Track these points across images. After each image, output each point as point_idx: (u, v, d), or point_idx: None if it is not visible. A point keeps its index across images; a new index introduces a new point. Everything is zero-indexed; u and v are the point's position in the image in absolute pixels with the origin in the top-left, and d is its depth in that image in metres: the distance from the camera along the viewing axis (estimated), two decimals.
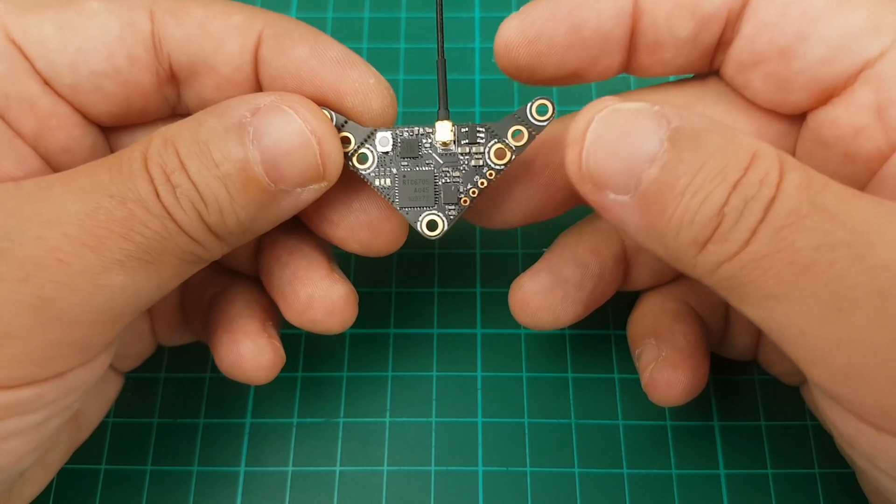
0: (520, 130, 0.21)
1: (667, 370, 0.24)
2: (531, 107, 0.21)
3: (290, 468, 0.28)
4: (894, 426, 0.17)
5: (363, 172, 0.22)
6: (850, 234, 0.16)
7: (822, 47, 0.19)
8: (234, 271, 0.27)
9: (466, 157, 0.22)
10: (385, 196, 0.22)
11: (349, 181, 0.23)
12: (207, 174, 0.19)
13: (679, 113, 0.18)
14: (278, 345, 0.25)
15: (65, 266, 0.17)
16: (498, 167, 0.21)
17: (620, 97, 0.23)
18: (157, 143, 0.19)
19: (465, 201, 0.22)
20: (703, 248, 0.17)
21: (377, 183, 0.22)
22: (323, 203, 0.23)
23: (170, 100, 0.23)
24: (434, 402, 0.29)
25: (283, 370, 0.29)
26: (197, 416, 0.29)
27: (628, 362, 0.30)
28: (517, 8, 0.21)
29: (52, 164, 0.22)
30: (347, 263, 0.32)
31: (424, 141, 0.22)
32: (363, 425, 0.29)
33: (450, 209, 0.22)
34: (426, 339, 0.30)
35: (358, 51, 0.36)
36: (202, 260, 0.20)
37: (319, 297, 0.24)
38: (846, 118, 0.19)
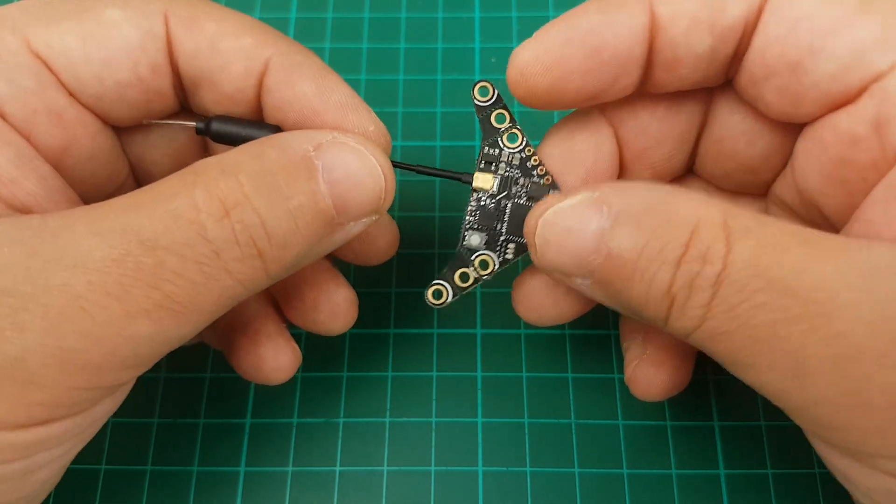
0: (502, 115, 0.22)
1: (649, 368, 0.24)
2: (474, 89, 0.22)
3: (290, 468, 0.28)
4: (882, 465, 0.17)
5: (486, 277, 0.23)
6: (804, 306, 0.16)
7: (832, 62, 0.19)
8: None
9: (511, 174, 0.22)
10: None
11: None
12: (277, 207, 0.18)
13: (619, 193, 0.19)
14: (296, 345, 0.25)
15: (88, 316, 0.17)
16: (520, 148, 0.22)
17: (631, 102, 0.23)
18: (212, 174, 0.18)
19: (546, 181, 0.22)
20: (666, 322, 0.18)
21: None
22: None
23: (181, 100, 0.23)
24: (434, 402, 0.29)
25: None
26: (197, 416, 0.29)
27: None
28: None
29: (77, 173, 0.21)
30: (347, 264, 0.31)
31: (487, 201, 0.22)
32: (363, 425, 0.29)
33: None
34: (426, 339, 0.30)
35: (358, 51, 0.36)
36: (235, 301, 0.19)
37: (324, 300, 0.24)
38: (846, 126, 0.19)
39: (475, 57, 0.36)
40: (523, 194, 0.22)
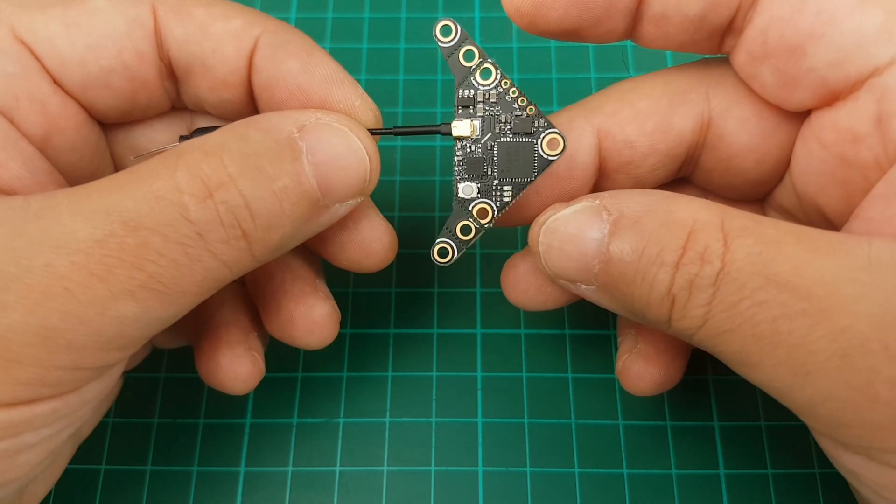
0: (470, 51, 0.21)
1: (639, 362, 0.24)
2: (436, 29, 0.21)
3: (290, 468, 0.28)
4: (892, 461, 0.17)
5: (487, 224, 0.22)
6: (805, 301, 0.16)
7: (832, 50, 0.19)
8: None
9: (492, 112, 0.22)
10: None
11: None
12: (262, 188, 0.18)
13: (619, 200, 0.19)
14: (258, 357, 0.25)
15: (72, 296, 0.17)
16: (495, 82, 0.21)
17: (620, 84, 0.23)
18: (195, 155, 0.18)
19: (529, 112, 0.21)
20: (670, 324, 0.18)
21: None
22: None
23: (170, 94, 0.23)
24: (434, 402, 0.29)
25: (283, 370, 0.30)
26: (197, 416, 0.29)
27: None
28: None
29: (60, 165, 0.21)
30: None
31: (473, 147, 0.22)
32: (363, 425, 0.29)
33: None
34: (426, 339, 0.30)
35: (358, 51, 0.36)
36: (220, 284, 0.19)
37: (301, 314, 0.24)
38: (847, 124, 0.19)
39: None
40: (508, 130, 0.21)
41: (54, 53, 0.20)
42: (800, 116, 0.22)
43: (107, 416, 0.29)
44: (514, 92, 0.21)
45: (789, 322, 0.16)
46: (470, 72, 0.21)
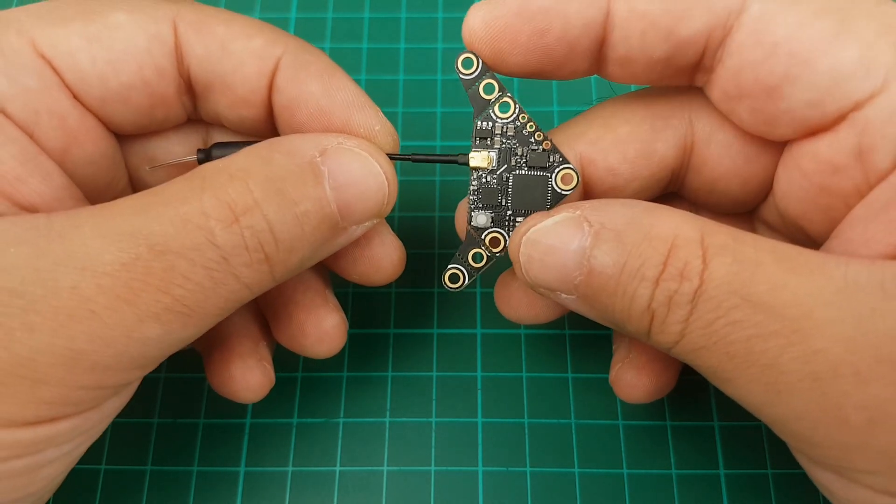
0: (490, 85, 0.22)
1: (631, 371, 0.24)
2: (458, 61, 0.22)
3: (290, 468, 0.28)
4: (862, 479, 0.17)
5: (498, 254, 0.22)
6: (779, 322, 0.16)
7: (810, 90, 0.18)
8: None
9: (508, 145, 0.22)
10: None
11: None
12: (285, 212, 0.18)
13: (600, 211, 0.19)
14: (268, 367, 0.25)
15: (98, 319, 0.17)
16: (513, 117, 0.22)
17: (602, 107, 0.23)
18: (221, 179, 0.18)
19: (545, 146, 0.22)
20: (649, 336, 0.19)
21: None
22: None
23: (186, 108, 0.23)
24: (434, 402, 0.29)
25: (283, 370, 0.30)
26: (197, 416, 0.29)
27: None
28: None
29: (77, 177, 0.21)
30: None
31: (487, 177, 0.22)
32: (363, 425, 0.29)
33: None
34: (426, 339, 0.30)
35: (358, 51, 0.36)
36: (241, 304, 0.20)
37: (312, 325, 0.24)
38: (827, 155, 0.19)
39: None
40: (523, 163, 0.22)
41: (75, 68, 0.20)
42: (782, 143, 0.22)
43: None
44: (531, 126, 0.22)
45: (763, 342, 0.17)
46: (489, 104, 0.22)
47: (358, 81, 0.35)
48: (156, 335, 0.18)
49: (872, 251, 0.18)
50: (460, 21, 0.36)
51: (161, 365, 0.30)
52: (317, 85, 0.21)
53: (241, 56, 0.21)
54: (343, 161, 0.20)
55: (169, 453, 0.29)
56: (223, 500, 0.28)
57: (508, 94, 0.22)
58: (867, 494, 0.18)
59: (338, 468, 0.28)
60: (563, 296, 0.20)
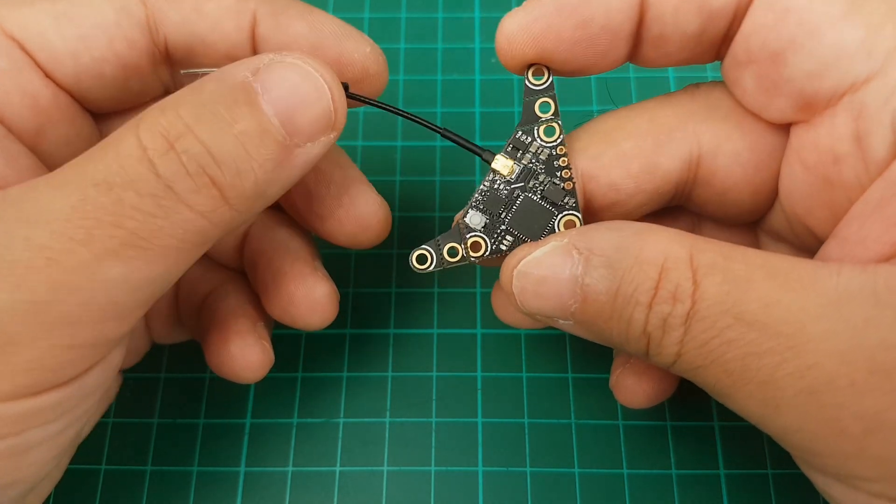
0: (547, 104, 0.21)
1: (631, 377, 0.24)
2: (529, 70, 0.21)
3: (290, 468, 0.28)
4: (863, 486, 0.18)
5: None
6: (773, 339, 0.17)
7: (811, 61, 0.19)
8: (227, 267, 0.27)
9: (534, 167, 0.22)
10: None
11: (342, 178, 0.23)
12: (221, 133, 0.18)
13: (587, 238, 0.19)
14: (267, 345, 0.25)
15: (56, 265, 0.17)
16: (553, 144, 0.22)
17: (602, 120, 0.23)
18: (153, 114, 0.18)
19: (567, 185, 0.22)
20: (647, 356, 0.19)
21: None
22: (314, 199, 0.24)
23: (163, 80, 0.23)
24: (434, 402, 0.29)
25: (283, 370, 0.30)
26: (197, 416, 0.29)
27: None
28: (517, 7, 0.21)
29: (55, 160, 0.21)
30: (347, 263, 0.32)
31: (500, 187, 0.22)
32: (363, 425, 0.29)
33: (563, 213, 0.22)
34: (426, 339, 0.30)
35: None
36: (205, 238, 0.19)
37: (302, 295, 0.24)
38: (827, 143, 0.19)
39: (475, 57, 0.36)
40: (539, 191, 0.22)
41: (46, 47, 0.20)
42: (784, 137, 0.22)
43: (107, 415, 0.29)
44: (563, 161, 0.22)
45: (758, 359, 0.17)
46: (537, 122, 0.22)
47: None
48: (119, 274, 0.17)
49: (869, 250, 0.18)
50: (460, 21, 0.37)
51: (161, 364, 0.30)
52: (302, 24, 0.21)
53: (216, 15, 0.21)
54: (277, 74, 0.19)
55: (169, 453, 0.29)
56: (223, 500, 0.28)
57: (559, 122, 0.22)
58: (867, 500, 0.18)
59: (338, 468, 0.28)
60: (561, 321, 0.20)
